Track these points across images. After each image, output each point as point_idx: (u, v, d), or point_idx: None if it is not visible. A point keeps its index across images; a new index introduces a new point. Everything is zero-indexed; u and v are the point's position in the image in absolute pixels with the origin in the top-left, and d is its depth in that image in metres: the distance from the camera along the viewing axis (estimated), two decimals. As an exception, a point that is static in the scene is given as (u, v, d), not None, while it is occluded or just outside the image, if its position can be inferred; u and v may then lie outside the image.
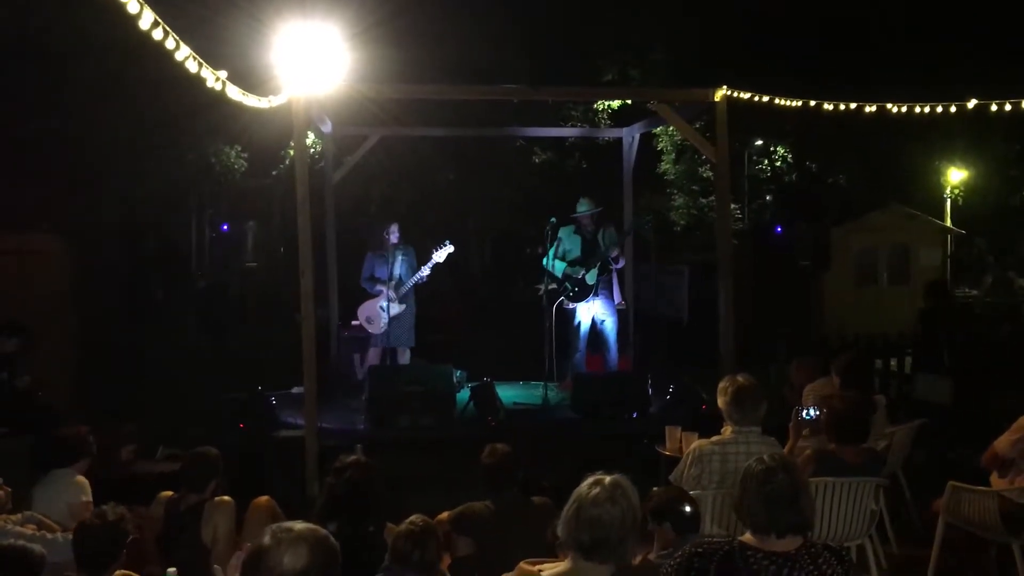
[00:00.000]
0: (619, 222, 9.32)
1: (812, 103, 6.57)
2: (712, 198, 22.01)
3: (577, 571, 2.66)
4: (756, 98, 6.76)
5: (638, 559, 2.84)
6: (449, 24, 13.22)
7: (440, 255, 8.47)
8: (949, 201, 20.13)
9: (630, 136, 10.18)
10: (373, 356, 8.61)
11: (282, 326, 11.82)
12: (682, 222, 22.46)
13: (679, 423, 6.33)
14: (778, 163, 22.82)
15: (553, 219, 8.43)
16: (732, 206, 18.84)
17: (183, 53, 4.63)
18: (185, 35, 4.74)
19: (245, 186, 15.22)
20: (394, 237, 8.59)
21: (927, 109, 6.42)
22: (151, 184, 12.11)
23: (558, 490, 4.98)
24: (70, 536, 4.24)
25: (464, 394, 8.11)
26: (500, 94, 7.69)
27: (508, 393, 8.49)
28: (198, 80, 4.84)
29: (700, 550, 2.76)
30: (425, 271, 8.47)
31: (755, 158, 23.58)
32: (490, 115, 12.31)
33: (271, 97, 6.14)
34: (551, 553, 4.47)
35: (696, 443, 4.42)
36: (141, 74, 10.02)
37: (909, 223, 15.43)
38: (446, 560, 4.15)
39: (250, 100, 5.81)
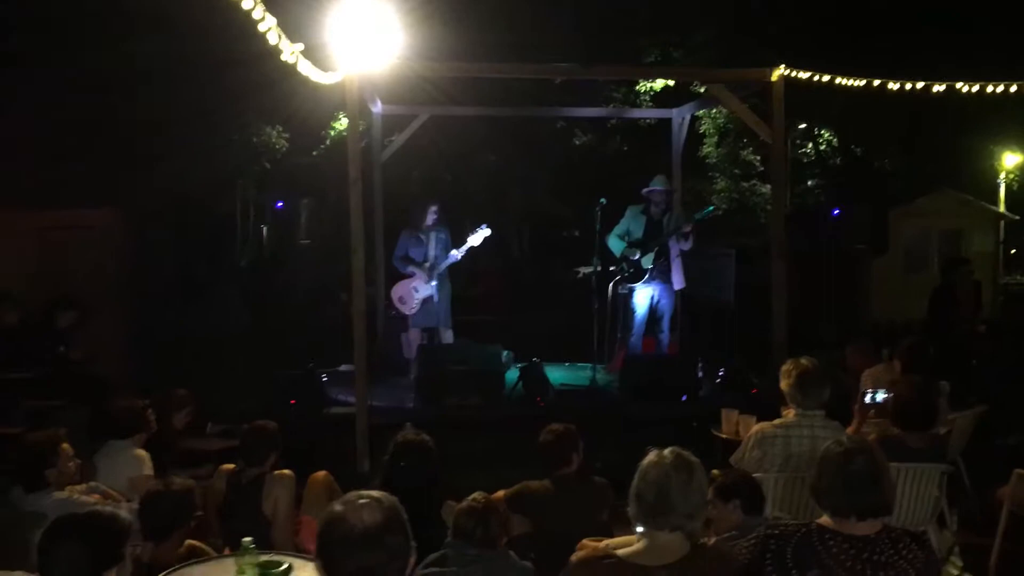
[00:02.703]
0: (689, 205, 9.19)
1: (876, 82, 6.42)
2: (753, 182, 21.81)
3: (652, 546, 2.62)
4: (816, 77, 6.63)
5: (711, 540, 2.80)
6: (493, 4, 13.13)
7: (476, 238, 8.37)
8: (1003, 186, 19.69)
9: (680, 117, 10.06)
10: (414, 337, 8.59)
11: (330, 304, 11.90)
12: (724, 206, 22.20)
13: (730, 406, 6.29)
14: (823, 147, 22.46)
15: (603, 200, 8.34)
16: (775, 189, 18.64)
17: (267, 24, 4.66)
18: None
19: (298, 164, 15.31)
20: (431, 217, 8.51)
21: (999, 88, 6.24)
22: (201, 163, 12.23)
23: (608, 471, 4.99)
24: (134, 507, 4.33)
25: (512, 374, 8.09)
26: (551, 73, 7.61)
27: (555, 374, 8.45)
28: (275, 52, 4.85)
29: (776, 532, 2.71)
30: (459, 253, 8.37)
31: (798, 142, 23.21)
32: (533, 95, 12.22)
33: (330, 73, 6.13)
34: (608, 534, 4.47)
35: (758, 426, 4.37)
36: (196, 54, 10.11)
37: (962, 208, 15.12)
38: (502, 538, 4.15)
39: (317, 75, 5.81)
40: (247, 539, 3.20)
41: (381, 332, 9.42)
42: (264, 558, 3.26)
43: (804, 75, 6.70)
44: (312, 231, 17.88)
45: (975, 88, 6.33)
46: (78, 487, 4.36)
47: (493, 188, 18.66)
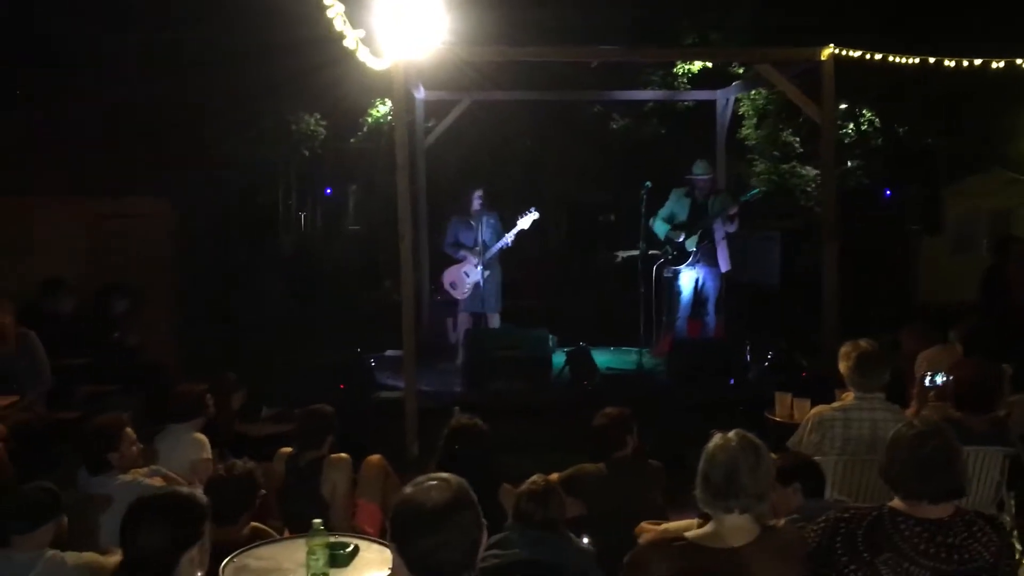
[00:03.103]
0: (734, 186, 9.13)
1: (931, 60, 6.29)
2: (793, 163, 21.53)
3: (721, 528, 2.61)
4: (867, 56, 6.51)
5: (781, 522, 2.78)
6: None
7: (525, 222, 8.39)
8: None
9: (724, 99, 9.96)
10: (463, 321, 8.62)
11: (375, 290, 11.97)
12: (764, 188, 21.94)
13: (778, 389, 6.23)
14: (864, 127, 22.11)
15: (648, 183, 8.29)
16: (814, 172, 18.43)
17: (336, 10, 4.71)
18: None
19: (341, 150, 15.39)
20: (477, 203, 8.53)
21: None
22: (242, 152, 12.35)
23: (658, 454, 4.98)
24: (198, 490, 4.40)
25: (559, 358, 8.09)
26: (596, 55, 7.56)
27: (601, 358, 8.43)
28: (339, 37, 4.91)
29: (847, 515, 2.69)
30: (509, 237, 8.41)
31: (839, 122, 22.83)
32: (572, 80, 12.14)
33: (380, 60, 6.15)
34: (663, 516, 4.46)
35: (816, 409, 4.33)
36: (237, 42, 10.19)
37: (1011, 187, 14.79)
38: (562, 520, 4.16)
39: (373, 62, 5.84)
40: (317, 520, 3.23)
41: (427, 317, 9.47)
42: (332, 539, 3.30)
43: (856, 54, 6.58)
44: (360, 217, 18.00)
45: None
46: (140, 470, 4.44)
47: (531, 173, 18.60)
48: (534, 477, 3.72)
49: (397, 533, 2.17)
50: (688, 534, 2.65)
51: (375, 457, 5.01)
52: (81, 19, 8.42)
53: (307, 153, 15.59)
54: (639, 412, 6.82)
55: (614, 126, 18.68)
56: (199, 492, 2.79)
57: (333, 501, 4.43)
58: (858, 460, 4.10)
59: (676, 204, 8.55)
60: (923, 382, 4.65)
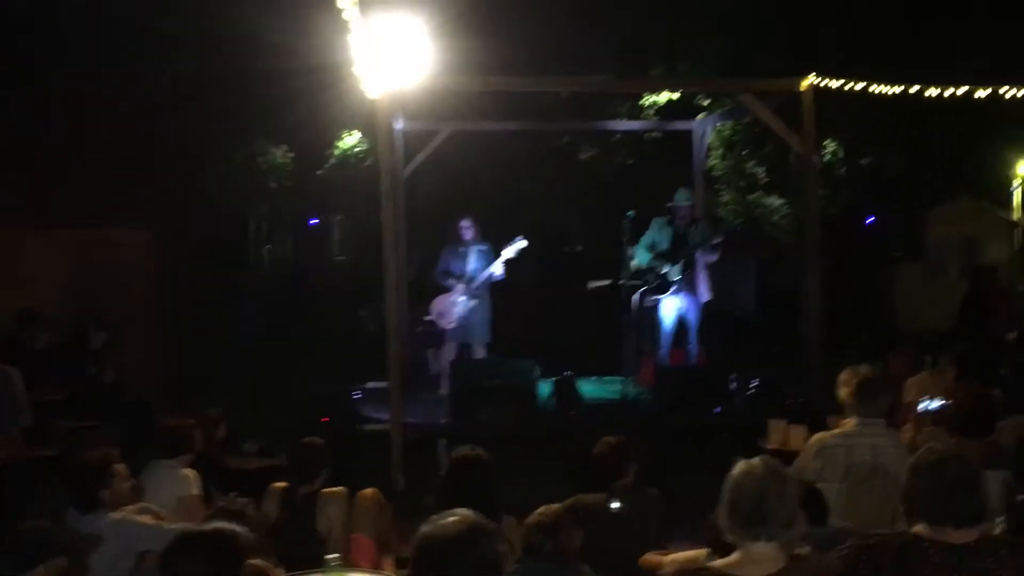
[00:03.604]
0: (715, 216, 9.20)
1: (913, 89, 6.39)
2: (758, 193, 21.87)
3: (748, 557, 2.57)
4: (848, 85, 6.61)
5: (805, 550, 2.75)
6: (506, 20, 13.13)
7: (511, 250, 8.40)
8: (1017, 193, 19.67)
9: (701, 129, 10.07)
10: (449, 351, 8.57)
11: (355, 321, 11.89)
12: (731, 219, 22.17)
13: (765, 417, 6.24)
14: (828, 157, 22.46)
15: (631, 213, 8.33)
16: (779, 202, 18.70)
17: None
18: (270, 28, 4.79)
19: (331, 180, 15.38)
20: (468, 232, 8.52)
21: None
22: (212, 184, 12.28)
23: (649, 484, 4.95)
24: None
25: (545, 388, 8.05)
26: (584, 86, 7.63)
27: (585, 388, 8.41)
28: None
29: (871, 543, 2.68)
30: (498, 267, 8.40)
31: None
32: (543, 110, 12.20)
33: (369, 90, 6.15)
34: (661, 546, 4.43)
35: (818, 436, 4.33)
36: (206, 74, 10.16)
37: (978, 216, 15.11)
38: (571, 551, 4.11)
39: (371, 93, 5.83)
40: (332, 555, 3.16)
41: (407, 348, 9.39)
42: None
43: (835, 83, 6.68)
44: (342, 248, 17.97)
45: (1020, 93, 6.29)
46: (128, 507, 4.32)
47: (506, 203, 18.65)
48: (540, 508, 3.68)
49: (421, 569, 2.18)
50: (716, 563, 2.61)
51: (369, 491, 4.92)
52: (61, 48, 8.34)
53: (274, 185, 15.54)
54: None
55: (583, 156, 18.82)
56: (241, 529, 2.71)
57: (330, 536, 4.34)
58: (861, 486, 4.10)
59: (658, 233, 8.59)
60: (916, 408, 4.67)
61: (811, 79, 6.85)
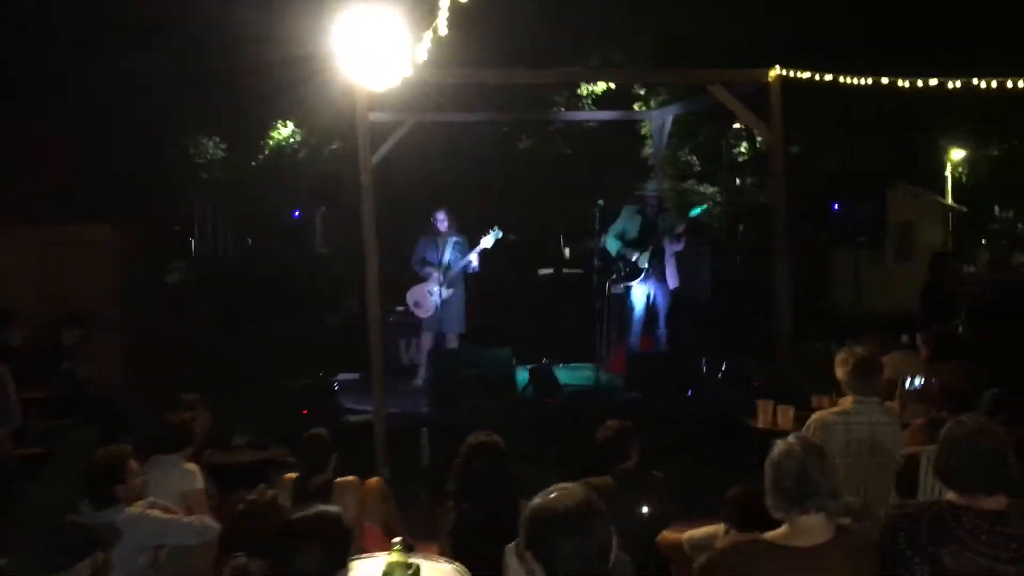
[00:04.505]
0: (682, 206, 9.36)
1: (884, 80, 6.61)
2: (691, 181, 22.34)
3: (796, 529, 2.71)
4: (816, 76, 6.82)
5: (847, 521, 2.91)
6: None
7: (487, 240, 8.46)
8: (950, 179, 20.46)
9: (660, 119, 10.25)
10: (426, 341, 8.61)
11: (330, 313, 11.84)
12: (668, 207, 22.56)
13: (736, 400, 6.43)
14: (759, 146, 23.01)
15: (601, 202, 8.47)
16: (712, 189, 19.15)
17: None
18: (253, 17, 4.78)
19: (314, 172, 15.24)
20: (443, 224, 8.57)
21: (1021, 83, 6.50)
22: (152, 177, 12.10)
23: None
24: (202, 521, 4.30)
25: (523, 376, 8.15)
26: (557, 77, 7.73)
27: (558, 375, 8.53)
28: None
29: (907, 512, 2.84)
30: (473, 257, 8.46)
31: (731, 142, 23.75)
32: (481, 101, 12.22)
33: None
34: (665, 526, 4.57)
35: (817, 414, 4.51)
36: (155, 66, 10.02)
37: (914, 201, 15.68)
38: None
39: (376, 84, 5.81)
40: (396, 539, 3.21)
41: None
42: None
43: (804, 75, 6.89)
44: (328, 239, 17.85)
45: (993, 84, 6.57)
46: (140, 503, 4.31)
47: (466, 194, 18.70)
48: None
49: (535, 539, 2.23)
50: (767, 536, 2.74)
51: (374, 480, 4.99)
52: (30, 48, 8.13)
53: (206, 176, 15.36)
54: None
55: (521, 146, 18.93)
56: (343, 512, 2.74)
57: (348, 524, 4.38)
58: (860, 462, 4.30)
59: (628, 221, 8.73)
60: (903, 386, 4.89)
61: (777, 71, 7.04)
